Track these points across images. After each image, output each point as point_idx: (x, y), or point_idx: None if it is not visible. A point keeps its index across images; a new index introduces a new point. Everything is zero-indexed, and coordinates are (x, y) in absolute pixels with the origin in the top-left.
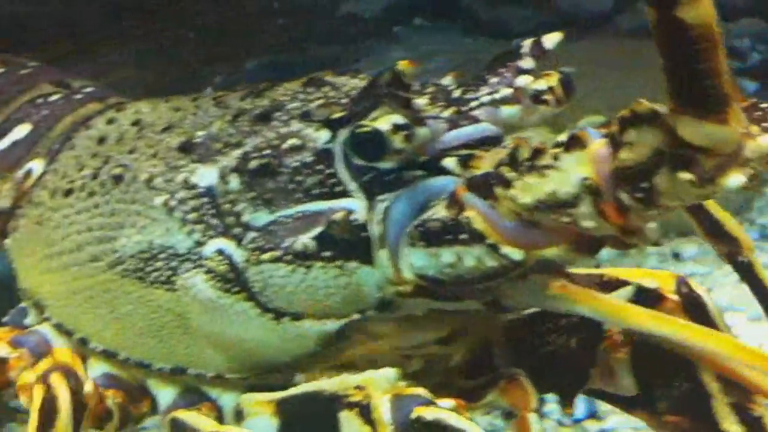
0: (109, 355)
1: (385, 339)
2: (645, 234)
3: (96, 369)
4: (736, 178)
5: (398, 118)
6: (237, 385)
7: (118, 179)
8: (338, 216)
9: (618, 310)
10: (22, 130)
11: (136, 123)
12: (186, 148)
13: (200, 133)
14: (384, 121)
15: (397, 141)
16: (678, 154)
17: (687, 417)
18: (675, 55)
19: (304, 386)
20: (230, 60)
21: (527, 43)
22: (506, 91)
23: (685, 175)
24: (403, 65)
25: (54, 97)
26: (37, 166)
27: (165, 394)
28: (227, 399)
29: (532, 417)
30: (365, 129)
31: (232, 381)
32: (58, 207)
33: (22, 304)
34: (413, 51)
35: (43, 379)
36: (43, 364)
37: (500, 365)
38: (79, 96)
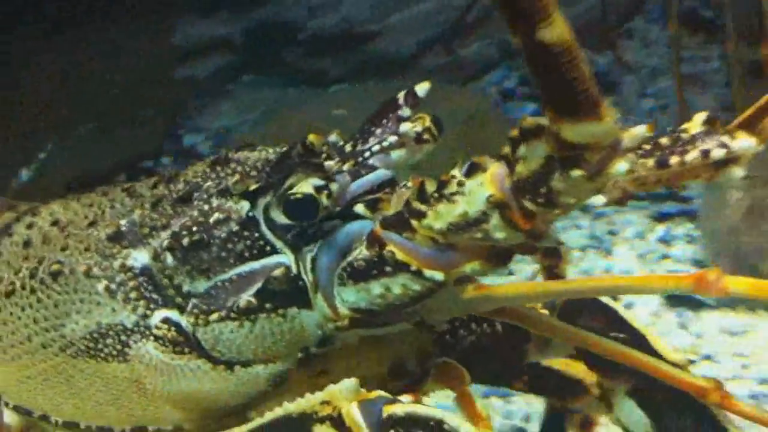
0: (71, 426)
1: (329, 369)
2: (550, 236)
3: None
4: (621, 166)
5: (316, 181)
6: None
7: (56, 275)
8: (275, 272)
9: (526, 292)
10: None
11: (55, 223)
12: (115, 238)
13: (124, 222)
14: (306, 185)
15: (324, 199)
16: (566, 156)
17: None
18: (544, 72)
19: (270, 414)
20: (62, 127)
21: (402, 95)
22: (392, 138)
23: (577, 173)
24: (311, 137)
25: None
26: None
27: None
28: None
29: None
30: (297, 195)
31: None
32: (2, 307)
33: None
34: (241, 104)
35: None
36: None
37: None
38: None
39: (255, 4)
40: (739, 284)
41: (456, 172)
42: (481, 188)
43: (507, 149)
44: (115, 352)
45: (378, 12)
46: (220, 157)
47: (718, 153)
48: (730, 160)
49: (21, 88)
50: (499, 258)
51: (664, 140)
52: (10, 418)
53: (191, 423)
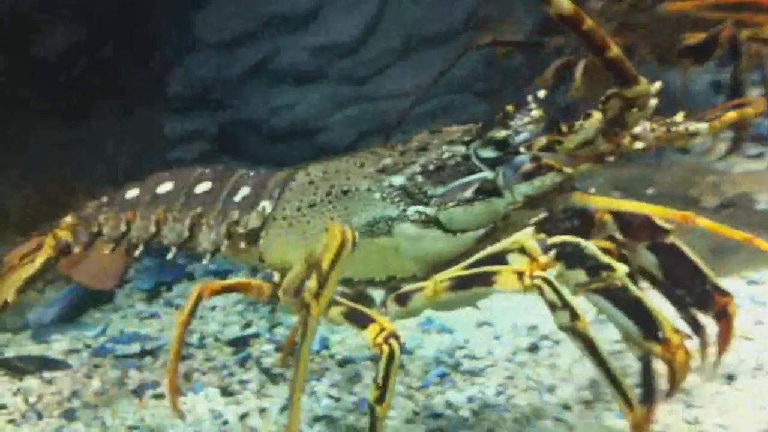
0: (347, 282)
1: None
2: (627, 144)
3: None
4: (652, 103)
5: (504, 132)
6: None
7: (346, 191)
8: (483, 179)
9: (601, 200)
10: (245, 190)
11: (325, 172)
12: (382, 170)
13: (386, 161)
14: (500, 133)
15: (508, 141)
16: (629, 104)
17: None
18: (596, 54)
19: (476, 256)
20: None
21: (530, 97)
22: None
23: (635, 109)
24: (508, 108)
25: (252, 173)
26: (267, 204)
27: (378, 294)
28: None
29: None
30: (497, 137)
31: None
32: (307, 214)
33: (268, 272)
34: None
35: None
36: None
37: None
38: (263, 172)
39: (226, 105)
40: (705, 223)
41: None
42: (593, 123)
43: (601, 105)
44: (385, 231)
45: (324, 111)
46: (434, 129)
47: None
48: (692, 134)
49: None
50: (599, 160)
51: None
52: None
53: (424, 271)
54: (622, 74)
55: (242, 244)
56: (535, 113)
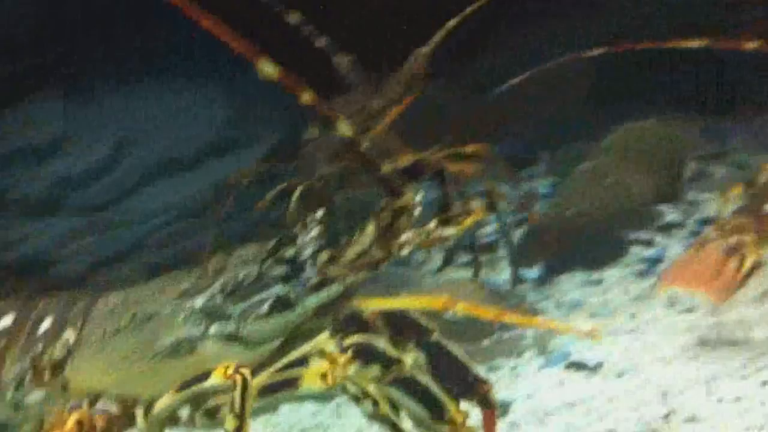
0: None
1: None
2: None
3: None
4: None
5: (294, 250)
6: None
7: (150, 317)
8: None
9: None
10: (48, 321)
11: (126, 300)
12: (183, 294)
13: (185, 285)
14: (291, 251)
15: (297, 258)
16: (397, 214)
17: None
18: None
19: (279, 363)
20: None
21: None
22: None
23: (403, 218)
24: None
25: (52, 302)
26: (70, 334)
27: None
28: None
29: None
30: (289, 254)
31: None
32: (112, 341)
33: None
34: None
35: None
36: None
37: None
38: (63, 301)
39: None
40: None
41: None
42: (369, 234)
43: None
44: (189, 351)
45: (59, 243)
46: (229, 251)
47: None
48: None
49: None
50: (373, 267)
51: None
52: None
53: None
54: (391, 188)
55: (47, 375)
56: (315, 230)
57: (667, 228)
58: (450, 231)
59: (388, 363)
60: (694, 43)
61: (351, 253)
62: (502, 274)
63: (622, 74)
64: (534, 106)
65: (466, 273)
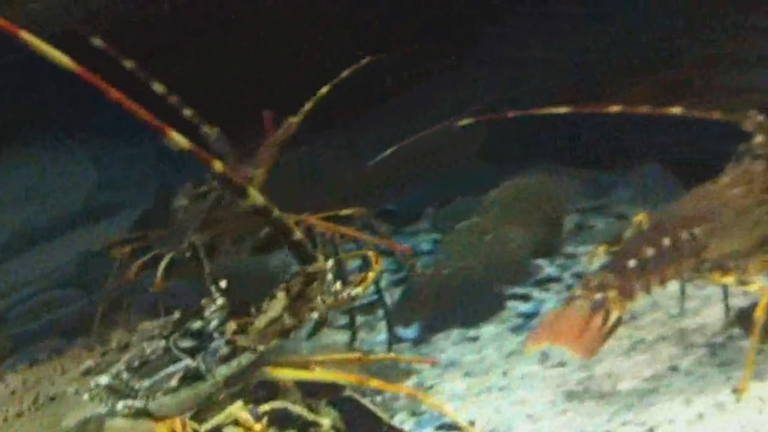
0: None
1: None
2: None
3: None
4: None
5: (202, 322)
6: None
7: (53, 397)
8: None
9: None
10: None
11: (26, 381)
12: (86, 372)
13: (88, 363)
14: (198, 323)
15: (205, 329)
16: (309, 280)
17: None
18: (283, 238)
19: None
20: None
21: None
22: None
23: (314, 285)
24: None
25: None
26: None
27: None
28: None
29: None
30: (196, 326)
31: None
32: (15, 424)
33: None
34: None
35: None
36: None
37: None
38: None
39: None
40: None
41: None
42: (280, 301)
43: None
44: (96, 428)
45: None
46: (130, 327)
47: None
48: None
49: None
50: (285, 334)
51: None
52: None
53: None
54: (303, 255)
55: None
56: (220, 301)
57: (545, 282)
58: (357, 290)
59: (305, 427)
60: (561, 110)
61: (261, 322)
62: (380, 335)
63: (509, 131)
64: (422, 164)
65: (344, 336)
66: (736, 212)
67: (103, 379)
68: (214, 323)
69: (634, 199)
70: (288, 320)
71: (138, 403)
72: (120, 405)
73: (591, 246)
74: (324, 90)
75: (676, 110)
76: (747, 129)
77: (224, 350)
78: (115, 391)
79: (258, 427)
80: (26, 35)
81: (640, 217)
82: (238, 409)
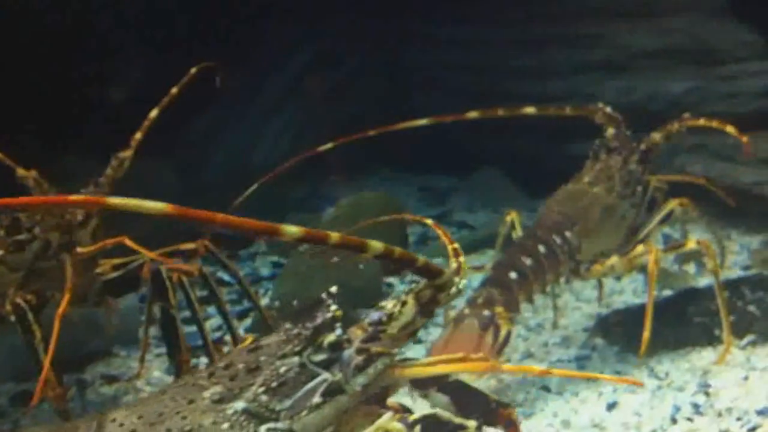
0: None
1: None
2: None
3: None
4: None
5: (333, 336)
6: None
7: (190, 431)
8: (327, 379)
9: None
10: None
11: (142, 416)
12: (219, 400)
13: (217, 390)
14: (330, 337)
15: (339, 341)
16: (438, 290)
17: None
18: (407, 267)
19: None
20: None
21: (325, 295)
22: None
23: (444, 293)
24: (337, 314)
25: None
26: None
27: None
28: None
29: None
30: (332, 339)
31: None
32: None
33: None
34: None
35: None
36: None
37: None
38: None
39: None
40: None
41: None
42: (411, 307)
43: (413, 294)
44: None
45: None
46: (252, 347)
47: None
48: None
49: None
50: (414, 334)
51: None
52: None
53: None
54: (431, 272)
55: None
56: (334, 309)
57: None
58: (463, 282)
59: (454, 430)
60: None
61: (395, 327)
62: None
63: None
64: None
65: None
66: (602, 210)
67: (240, 405)
68: (338, 332)
69: (472, 205)
70: (419, 322)
71: (282, 425)
72: (263, 429)
73: (439, 258)
74: (154, 113)
75: (530, 110)
76: (599, 121)
77: (358, 359)
78: (255, 416)
79: None
80: None
81: (513, 215)
82: (387, 420)
